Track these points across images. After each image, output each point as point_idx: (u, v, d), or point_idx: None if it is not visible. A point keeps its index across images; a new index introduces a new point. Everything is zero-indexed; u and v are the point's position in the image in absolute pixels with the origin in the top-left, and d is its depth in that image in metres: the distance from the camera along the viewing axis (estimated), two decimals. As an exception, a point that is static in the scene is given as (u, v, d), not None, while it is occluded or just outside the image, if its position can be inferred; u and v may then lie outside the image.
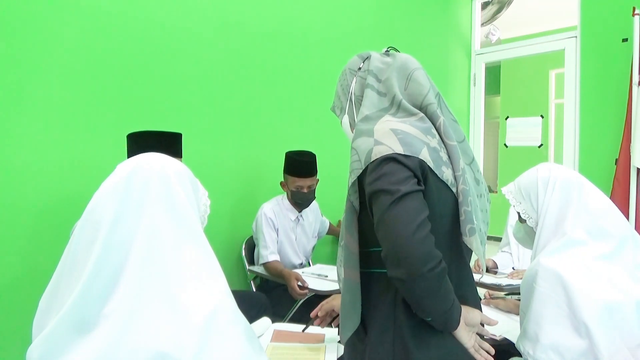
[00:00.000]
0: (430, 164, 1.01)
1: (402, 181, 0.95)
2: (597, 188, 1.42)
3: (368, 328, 1.05)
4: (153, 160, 0.91)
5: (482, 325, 1.13)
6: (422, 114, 1.09)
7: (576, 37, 3.48)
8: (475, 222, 1.04)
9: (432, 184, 1.01)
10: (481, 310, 1.14)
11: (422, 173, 0.99)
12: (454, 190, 1.05)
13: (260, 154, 2.74)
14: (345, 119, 1.21)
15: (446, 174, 1.04)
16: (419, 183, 0.98)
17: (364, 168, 0.98)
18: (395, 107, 1.10)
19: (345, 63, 1.26)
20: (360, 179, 1.01)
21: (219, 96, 2.52)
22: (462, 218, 1.04)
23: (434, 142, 1.05)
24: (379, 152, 0.98)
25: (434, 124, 1.09)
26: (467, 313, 1.07)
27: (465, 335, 1.05)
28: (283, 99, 2.82)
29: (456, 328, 1.02)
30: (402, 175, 0.95)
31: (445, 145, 1.07)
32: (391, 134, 1.00)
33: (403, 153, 0.97)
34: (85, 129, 2.01)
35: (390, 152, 0.97)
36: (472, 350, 1.06)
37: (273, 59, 2.76)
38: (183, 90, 2.36)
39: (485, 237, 1.14)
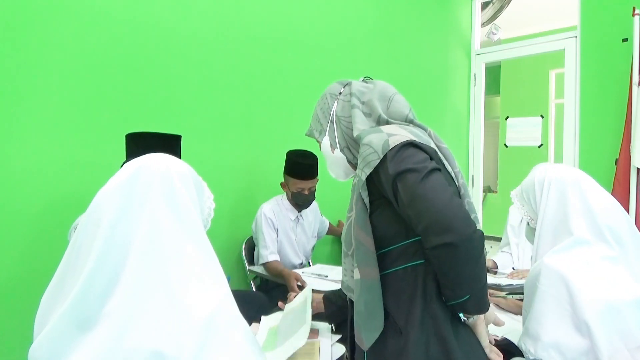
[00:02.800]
0: (440, 155, 1.09)
1: (424, 160, 1.01)
2: (598, 184, 1.40)
3: (402, 326, 1.02)
4: (158, 161, 0.91)
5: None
6: (412, 125, 1.16)
7: (576, 37, 3.48)
8: (476, 212, 1.11)
9: (444, 172, 1.06)
10: None
11: (436, 160, 1.05)
12: (456, 183, 1.12)
13: (260, 154, 2.74)
14: (326, 139, 1.24)
15: (449, 169, 1.11)
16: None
17: (382, 157, 1.01)
18: (383, 125, 1.15)
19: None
20: (376, 171, 1.02)
21: (218, 96, 2.52)
22: (466, 208, 1.08)
23: (432, 143, 1.11)
24: (396, 140, 1.02)
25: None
26: None
27: (484, 330, 1.09)
28: (283, 100, 2.82)
29: (487, 310, 1.03)
30: (423, 157, 1.02)
31: (439, 149, 1.13)
32: (401, 129, 1.07)
33: (418, 141, 1.04)
34: (85, 130, 2.01)
35: (406, 139, 1.02)
36: (487, 350, 1.08)
37: (273, 59, 2.76)
38: (183, 90, 2.36)
39: None
